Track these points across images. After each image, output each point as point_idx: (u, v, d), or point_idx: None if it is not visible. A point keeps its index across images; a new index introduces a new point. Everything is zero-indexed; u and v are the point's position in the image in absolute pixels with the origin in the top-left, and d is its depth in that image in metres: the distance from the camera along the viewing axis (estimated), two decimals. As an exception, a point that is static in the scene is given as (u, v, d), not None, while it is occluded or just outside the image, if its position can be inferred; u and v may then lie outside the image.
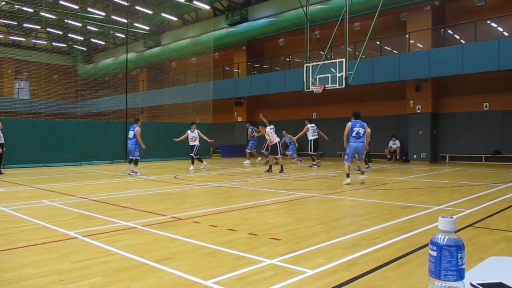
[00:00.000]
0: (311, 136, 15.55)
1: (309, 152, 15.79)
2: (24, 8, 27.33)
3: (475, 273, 1.15)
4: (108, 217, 5.89)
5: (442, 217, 1.05)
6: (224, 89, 24.25)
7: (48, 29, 33.98)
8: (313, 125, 15.73)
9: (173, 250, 4.12)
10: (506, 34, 17.05)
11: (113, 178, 12.02)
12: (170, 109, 26.35)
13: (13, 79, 37.01)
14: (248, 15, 24.45)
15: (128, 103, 20.59)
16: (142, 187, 9.96)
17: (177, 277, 3.31)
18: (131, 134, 12.88)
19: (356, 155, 10.03)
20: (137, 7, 25.96)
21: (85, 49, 37.50)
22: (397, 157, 18.94)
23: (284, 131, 17.83)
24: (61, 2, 25.80)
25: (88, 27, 32.39)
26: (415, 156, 18.36)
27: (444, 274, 1.01)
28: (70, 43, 36.66)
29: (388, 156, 19.11)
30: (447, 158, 18.12)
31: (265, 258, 3.79)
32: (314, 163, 15.47)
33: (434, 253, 1.03)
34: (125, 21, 25.18)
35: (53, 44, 36.93)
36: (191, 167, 14.67)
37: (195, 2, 23.58)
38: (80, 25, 31.47)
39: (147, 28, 29.86)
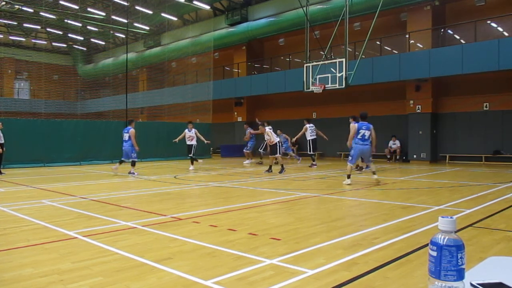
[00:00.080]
0: (309, 136, 15.56)
1: (308, 152, 15.81)
2: (24, 8, 27.32)
3: (475, 273, 1.15)
4: (108, 217, 5.89)
5: (442, 217, 1.05)
6: (224, 89, 24.24)
7: (48, 29, 33.97)
8: (311, 125, 15.72)
9: (173, 250, 4.12)
10: (506, 34, 17.04)
11: (113, 178, 12.01)
12: (170, 109, 26.35)
13: (13, 79, 37.00)
14: (248, 15, 24.44)
15: (128, 103, 20.60)
16: (142, 187, 9.96)
17: (177, 277, 3.31)
18: (126, 136, 12.74)
19: (361, 157, 9.91)
20: (137, 7, 25.96)
21: (85, 49, 37.50)
22: (397, 157, 18.93)
23: (278, 131, 17.75)
24: (61, 2, 25.81)
25: (88, 27, 32.39)
26: (415, 156, 18.35)
27: (444, 274, 1.01)
28: (70, 43, 36.66)
29: (388, 156, 19.09)
30: (447, 158, 18.12)
31: (265, 258, 3.79)
32: (314, 163, 15.49)
33: (434, 253, 1.03)
34: (125, 21, 25.19)
35: (53, 44, 36.92)
36: (191, 167, 14.68)
37: (195, 2, 23.58)
38: (80, 25, 31.47)
39: (147, 28, 29.86)
